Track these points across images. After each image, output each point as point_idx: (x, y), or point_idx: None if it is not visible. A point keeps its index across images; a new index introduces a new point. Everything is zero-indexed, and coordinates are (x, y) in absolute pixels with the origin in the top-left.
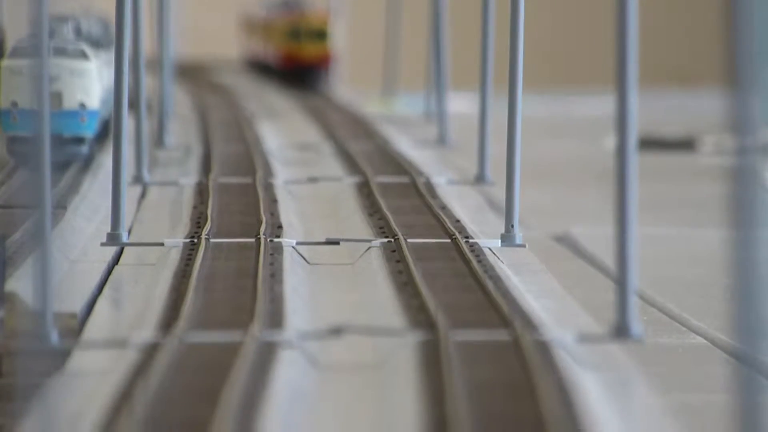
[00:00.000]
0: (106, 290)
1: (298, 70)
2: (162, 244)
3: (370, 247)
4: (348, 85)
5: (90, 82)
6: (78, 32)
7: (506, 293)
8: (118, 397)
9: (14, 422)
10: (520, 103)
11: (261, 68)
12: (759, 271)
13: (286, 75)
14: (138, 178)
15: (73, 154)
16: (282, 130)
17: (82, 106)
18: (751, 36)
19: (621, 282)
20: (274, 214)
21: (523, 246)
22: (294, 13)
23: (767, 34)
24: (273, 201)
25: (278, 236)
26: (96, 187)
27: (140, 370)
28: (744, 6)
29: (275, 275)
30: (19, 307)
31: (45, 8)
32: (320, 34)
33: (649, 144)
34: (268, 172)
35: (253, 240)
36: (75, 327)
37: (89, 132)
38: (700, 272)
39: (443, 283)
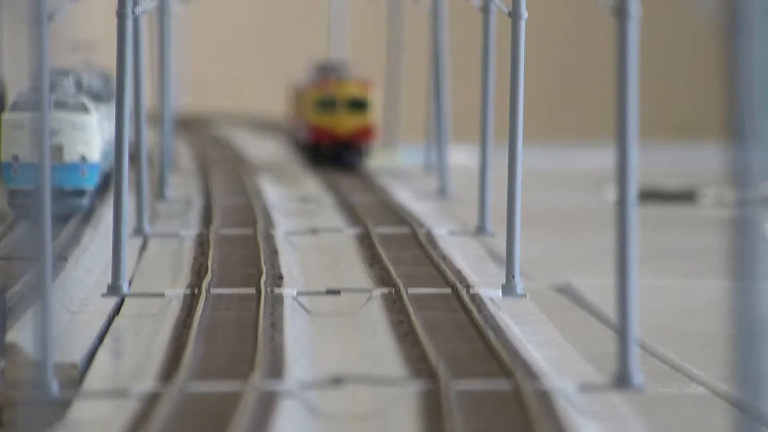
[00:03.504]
0: (106, 341)
1: (330, 146)
2: (163, 295)
3: (370, 297)
4: None
5: (91, 135)
6: (79, 85)
7: (507, 343)
8: None
9: None
10: (521, 155)
11: (294, 144)
12: (759, 322)
13: (318, 152)
14: (139, 230)
15: (74, 206)
16: (282, 182)
17: (83, 159)
18: (751, 89)
19: (622, 332)
20: (274, 264)
21: (524, 296)
22: (328, 80)
23: (767, 88)
24: (274, 252)
25: (279, 287)
26: (97, 239)
27: (141, 420)
28: (744, 60)
29: (276, 325)
30: (20, 357)
31: (46, 62)
32: (358, 104)
33: (650, 196)
34: (269, 224)
35: (253, 290)
36: (76, 377)
37: (90, 185)
38: (701, 322)
39: (444, 333)
